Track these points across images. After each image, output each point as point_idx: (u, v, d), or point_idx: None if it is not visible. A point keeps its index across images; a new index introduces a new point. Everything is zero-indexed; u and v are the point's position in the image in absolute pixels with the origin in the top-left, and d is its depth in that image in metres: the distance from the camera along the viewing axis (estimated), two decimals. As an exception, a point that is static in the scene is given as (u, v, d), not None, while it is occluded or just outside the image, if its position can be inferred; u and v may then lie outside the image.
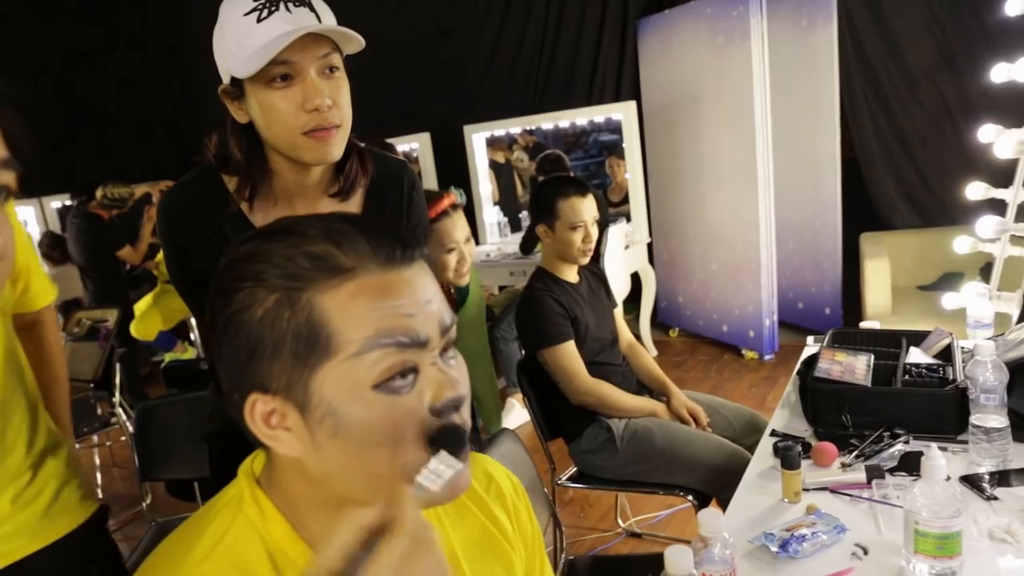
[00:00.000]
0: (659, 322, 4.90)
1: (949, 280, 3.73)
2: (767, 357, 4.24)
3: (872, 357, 1.76)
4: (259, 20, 1.03)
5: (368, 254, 0.60)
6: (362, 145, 1.23)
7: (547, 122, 4.73)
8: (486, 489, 0.81)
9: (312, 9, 1.06)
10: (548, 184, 2.22)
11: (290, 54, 1.02)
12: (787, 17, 4.12)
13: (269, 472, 0.68)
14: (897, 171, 4.29)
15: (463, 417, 0.63)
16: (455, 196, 2.11)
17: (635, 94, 4.69)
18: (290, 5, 1.04)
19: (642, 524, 2.70)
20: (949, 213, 3.98)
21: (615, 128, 4.58)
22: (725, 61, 4.01)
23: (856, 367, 1.71)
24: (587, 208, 2.13)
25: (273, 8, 1.03)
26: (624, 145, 4.43)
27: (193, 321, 4.69)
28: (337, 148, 1.12)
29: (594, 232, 2.15)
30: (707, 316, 4.61)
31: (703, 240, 4.49)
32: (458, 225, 2.06)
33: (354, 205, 1.24)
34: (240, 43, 1.04)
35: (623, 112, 4.37)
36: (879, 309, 3.58)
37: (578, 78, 5.04)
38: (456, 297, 2.22)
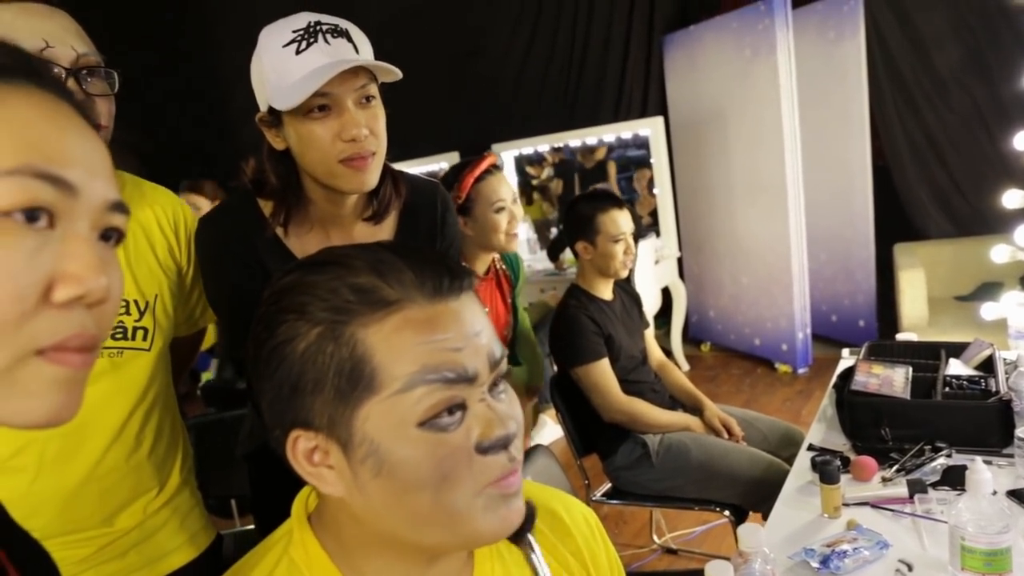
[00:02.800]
0: (690, 337, 4.87)
1: (988, 290, 3.65)
2: (801, 371, 4.18)
3: (910, 369, 1.73)
4: (298, 52, 1.04)
5: (414, 286, 0.58)
6: (395, 169, 1.25)
7: (575, 139, 4.75)
8: (551, 528, 0.77)
9: (350, 39, 1.07)
10: (583, 200, 2.22)
11: (329, 86, 1.04)
12: (813, 29, 4.10)
13: (320, 508, 0.66)
14: (930, 179, 4.23)
15: (512, 454, 0.60)
16: (495, 157, 2.03)
17: (662, 110, 4.70)
18: (328, 37, 1.05)
19: (678, 540, 2.67)
20: (986, 221, 3.91)
21: (641, 144, 4.58)
22: (752, 75, 4.00)
23: (894, 380, 1.69)
24: (625, 220, 2.14)
25: (312, 40, 1.05)
26: (652, 160, 4.43)
27: (228, 341, 4.76)
28: (373, 176, 1.13)
29: (633, 245, 2.16)
30: (739, 330, 4.57)
31: (733, 254, 4.47)
32: (503, 183, 1.97)
33: (387, 228, 1.25)
34: (279, 74, 1.06)
35: (651, 128, 4.38)
36: (915, 321, 3.52)
37: (605, 95, 5.06)
38: (510, 275, 2.14)
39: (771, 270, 4.19)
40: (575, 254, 2.21)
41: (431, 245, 1.29)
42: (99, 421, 1.06)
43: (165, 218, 1.19)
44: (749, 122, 4.11)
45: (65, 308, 0.41)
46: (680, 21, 4.62)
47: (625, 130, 4.57)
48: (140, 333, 1.11)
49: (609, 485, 2.24)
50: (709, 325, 4.83)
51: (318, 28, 1.06)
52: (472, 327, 0.59)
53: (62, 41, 0.98)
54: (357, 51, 1.08)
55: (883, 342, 2.03)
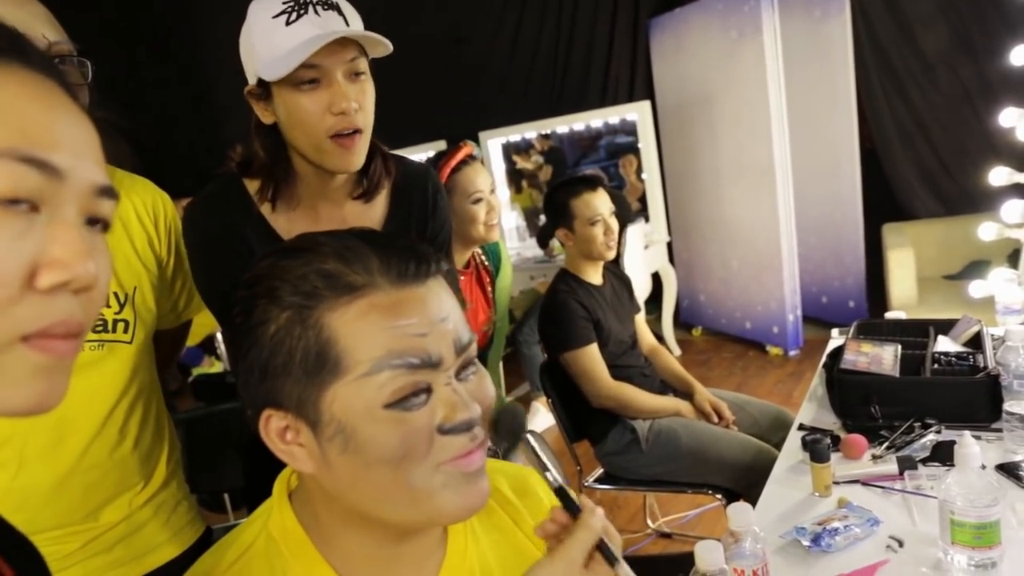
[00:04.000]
0: (681, 321, 4.87)
1: (976, 268, 3.66)
2: (792, 353, 4.19)
3: (899, 347, 1.73)
4: (287, 23, 1.03)
5: (379, 271, 0.59)
6: (385, 148, 1.23)
7: (563, 125, 4.73)
8: (524, 503, 0.78)
9: (340, 13, 1.06)
10: (557, 188, 2.22)
11: (318, 58, 1.03)
12: (799, 9, 4.09)
13: (299, 486, 0.68)
14: (917, 159, 4.24)
15: (475, 434, 0.61)
16: (471, 147, 1.98)
17: (649, 94, 4.68)
18: (318, 8, 1.04)
19: (672, 524, 2.68)
20: (973, 200, 3.91)
21: (629, 129, 4.57)
22: (738, 56, 3.99)
23: (883, 358, 1.69)
24: (600, 202, 2.13)
25: (302, 12, 1.04)
26: (640, 145, 4.42)
27: (220, 335, 4.75)
28: (359, 157, 1.12)
29: (614, 224, 2.14)
30: (729, 314, 4.58)
31: (723, 238, 4.46)
32: (480, 174, 1.92)
33: (379, 207, 1.24)
34: (268, 45, 1.05)
35: (638, 112, 4.36)
36: (905, 300, 3.53)
37: (592, 81, 5.04)
38: (491, 269, 2.10)
39: (761, 253, 4.19)
40: (560, 242, 2.20)
41: (422, 227, 1.28)
42: (81, 415, 1.04)
43: (144, 208, 1.16)
44: (736, 104, 4.10)
45: (50, 294, 0.40)
46: (665, 3, 4.59)
47: (612, 115, 4.55)
48: (121, 325, 1.09)
49: (602, 471, 2.24)
50: (700, 309, 4.83)
51: (308, 0, 1.05)
52: (438, 313, 0.60)
53: (32, 29, 0.96)
54: (348, 24, 1.06)
55: (872, 321, 2.03)
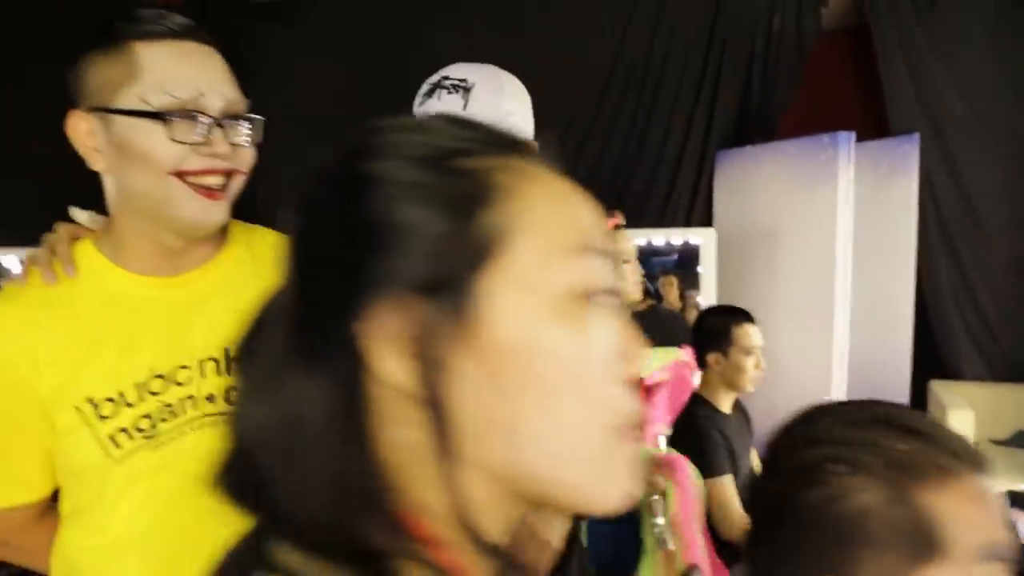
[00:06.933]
0: (712, 450, 4.80)
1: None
2: (832, 498, 4.12)
3: None
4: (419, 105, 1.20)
5: None
6: None
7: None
8: None
9: (467, 93, 1.14)
10: (716, 312, 2.23)
11: None
12: (869, 160, 4.26)
13: None
14: (966, 323, 4.35)
15: None
16: (619, 217, 2.28)
17: (706, 222, 4.79)
18: (443, 93, 1.18)
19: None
20: (1020, 369, 4.00)
21: (675, 251, 4.62)
22: (808, 200, 4.12)
23: None
24: (758, 334, 2.13)
25: (429, 95, 1.19)
26: (700, 270, 4.47)
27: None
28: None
29: (762, 359, 2.14)
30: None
31: (770, 372, 4.45)
32: (626, 240, 2.20)
33: None
34: None
35: (703, 237, 4.44)
36: (960, 461, 3.51)
37: (652, 199, 5.14)
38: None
39: (808, 394, 4.17)
40: (704, 365, 2.18)
41: None
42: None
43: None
44: (800, 245, 4.20)
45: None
46: (737, 139, 4.78)
47: (676, 236, 4.63)
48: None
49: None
50: (733, 440, 4.78)
51: (440, 83, 1.15)
52: None
53: (215, 89, 0.96)
54: (465, 107, 1.11)
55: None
